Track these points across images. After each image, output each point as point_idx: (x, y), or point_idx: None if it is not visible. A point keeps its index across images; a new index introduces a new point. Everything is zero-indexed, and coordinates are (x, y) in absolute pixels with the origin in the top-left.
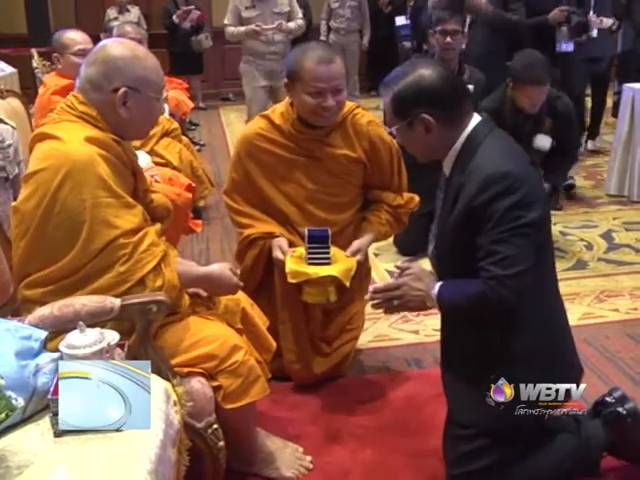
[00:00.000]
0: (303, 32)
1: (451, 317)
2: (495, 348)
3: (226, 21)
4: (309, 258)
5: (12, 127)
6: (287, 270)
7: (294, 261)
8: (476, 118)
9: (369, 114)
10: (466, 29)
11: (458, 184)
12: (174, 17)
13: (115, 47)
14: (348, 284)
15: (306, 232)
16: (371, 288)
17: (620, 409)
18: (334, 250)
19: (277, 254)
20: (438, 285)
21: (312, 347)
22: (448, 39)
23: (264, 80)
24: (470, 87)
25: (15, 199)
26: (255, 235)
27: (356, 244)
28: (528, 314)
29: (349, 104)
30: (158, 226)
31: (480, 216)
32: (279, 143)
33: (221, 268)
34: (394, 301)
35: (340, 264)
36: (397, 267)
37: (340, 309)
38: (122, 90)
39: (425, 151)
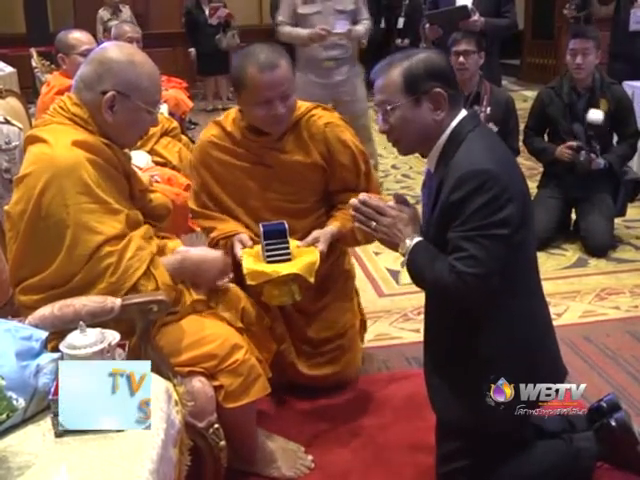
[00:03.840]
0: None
1: (413, 279)
2: (470, 349)
3: (280, 17)
4: (267, 256)
5: (19, 128)
6: (245, 271)
7: (252, 260)
8: (463, 113)
9: (329, 114)
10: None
11: (440, 180)
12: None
13: (113, 50)
14: (312, 280)
15: (261, 228)
16: (361, 196)
17: (611, 421)
18: (294, 244)
19: (237, 250)
20: (417, 240)
21: (295, 349)
22: (460, 59)
23: (322, 95)
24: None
25: None
26: (219, 236)
27: (314, 233)
28: (500, 315)
29: (305, 104)
30: (145, 228)
31: (455, 213)
32: (231, 151)
33: (218, 253)
34: (372, 223)
35: (301, 259)
36: (395, 196)
37: (320, 312)
38: (110, 93)
39: (418, 135)
